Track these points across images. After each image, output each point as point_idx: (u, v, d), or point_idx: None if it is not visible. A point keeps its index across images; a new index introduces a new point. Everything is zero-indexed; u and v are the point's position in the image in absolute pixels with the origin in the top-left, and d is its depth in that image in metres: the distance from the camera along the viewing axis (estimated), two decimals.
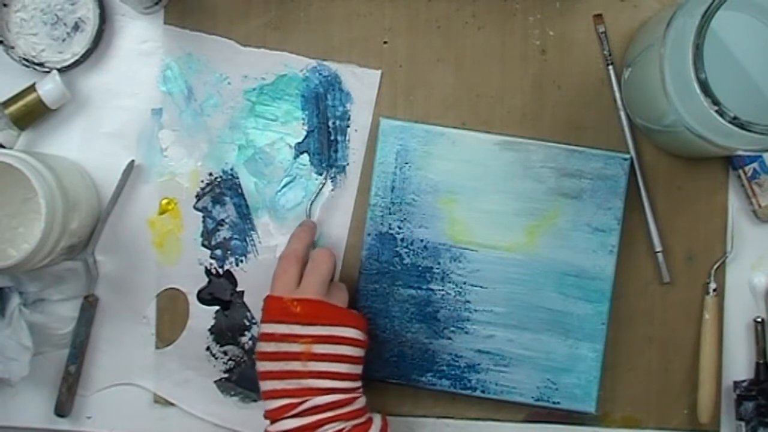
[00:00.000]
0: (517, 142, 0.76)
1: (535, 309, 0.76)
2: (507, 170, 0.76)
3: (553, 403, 0.76)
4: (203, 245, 0.79)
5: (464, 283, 0.76)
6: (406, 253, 0.76)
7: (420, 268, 0.76)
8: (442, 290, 0.76)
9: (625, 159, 0.75)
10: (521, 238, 0.76)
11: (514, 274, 0.76)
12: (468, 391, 0.76)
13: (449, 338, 0.76)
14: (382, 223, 0.76)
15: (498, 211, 0.76)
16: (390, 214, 0.76)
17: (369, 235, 0.76)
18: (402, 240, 0.76)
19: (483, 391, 0.76)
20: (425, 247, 0.76)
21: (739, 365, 0.78)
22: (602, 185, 0.75)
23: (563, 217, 0.76)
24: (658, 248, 0.77)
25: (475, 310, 0.76)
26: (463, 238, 0.76)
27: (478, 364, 0.76)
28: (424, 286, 0.76)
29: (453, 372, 0.76)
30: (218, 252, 0.79)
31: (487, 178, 0.76)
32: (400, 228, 0.76)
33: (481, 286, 0.76)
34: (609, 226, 0.75)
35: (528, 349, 0.76)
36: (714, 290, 0.77)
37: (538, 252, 0.76)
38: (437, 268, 0.76)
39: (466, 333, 0.76)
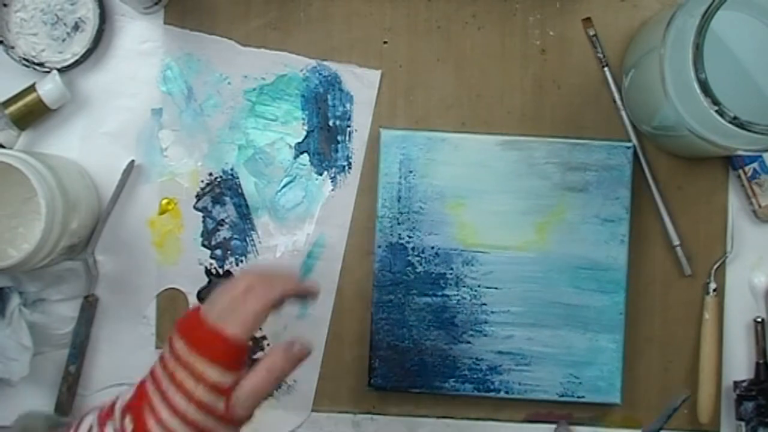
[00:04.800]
0: (519, 141, 0.76)
1: (552, 305, 0.75)
2: (511, 170, 0.76)
3: (578, 397, 0.76)
4: (203, 245, 0.79)
5: (479, 286, 0.76)
6: (418, 261, 0.76)
7: (433, 275, 0.76)
8: (458, 295, 0.76)
9: (629, 147, 0.75)
10: (531, 235, 0.76)
11: (527, 272, 0.76)
12: (492, 393, 0.76)
13: (468, 342, 0.76)
14: (391, 234, 0.76)
15: (506, 211, 0.76)
16: (399, 224, 0.76)
17: (380, 246, 0.76)
18: (413, 249, 0.76)
19: (507, 392, 0.76)
20: (437, 253, 0.76)
21: (739, 365, 0.78)
22: (608, 176, 0.75)
23: (571, 211, 0.75)
24: (676, 242, 0.77)
25: (492, 312, 0.76)
26: (474, 241, 0.76)
27: (500, 366, 0.76)
28: (439, 293, 0.76)
29: (475, 376, 0.76)
30: (218, 252, 0.79)
31: (492, 179, 0.76)
32: (410, 237, 0.76)
33: (495, 288, 0.76)
34: (618, 215, 0.75)
35: (548, 346, 0.76)
36: (714, 290, 0.77)
37: (550, 248, 0.76)
38: (450, 274, 0.76)
39: (485, 335, 0.76)
